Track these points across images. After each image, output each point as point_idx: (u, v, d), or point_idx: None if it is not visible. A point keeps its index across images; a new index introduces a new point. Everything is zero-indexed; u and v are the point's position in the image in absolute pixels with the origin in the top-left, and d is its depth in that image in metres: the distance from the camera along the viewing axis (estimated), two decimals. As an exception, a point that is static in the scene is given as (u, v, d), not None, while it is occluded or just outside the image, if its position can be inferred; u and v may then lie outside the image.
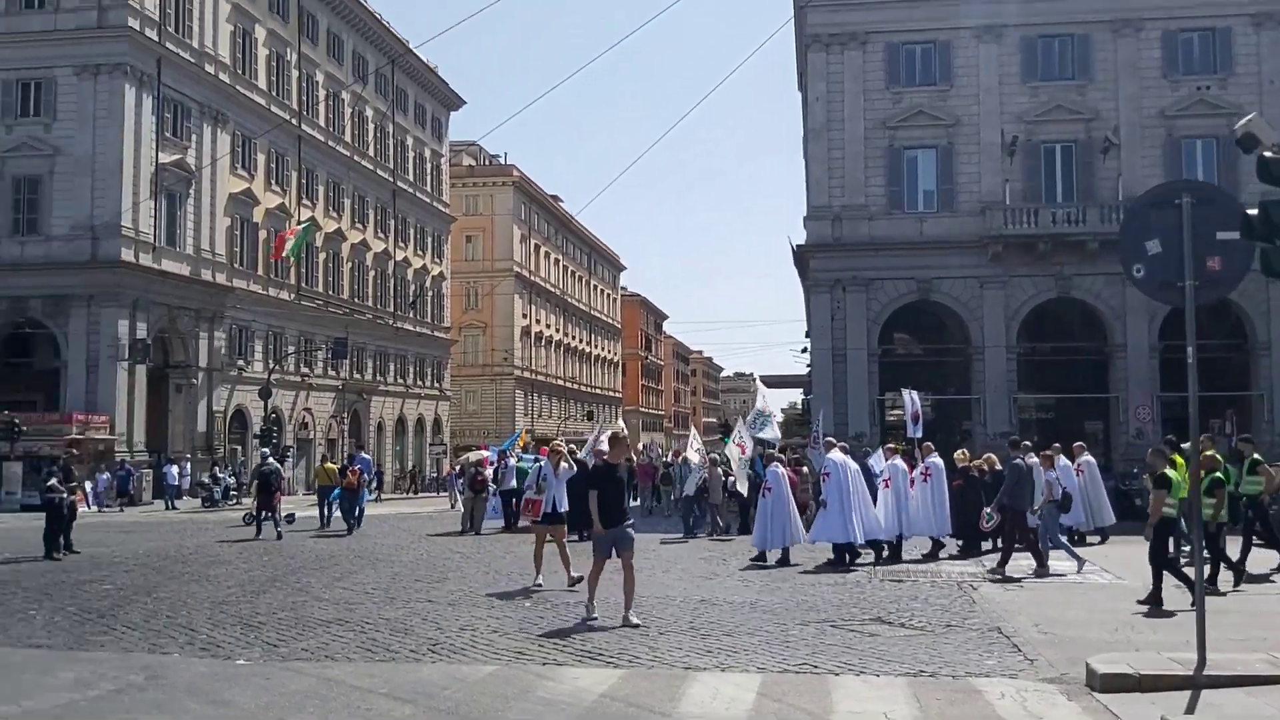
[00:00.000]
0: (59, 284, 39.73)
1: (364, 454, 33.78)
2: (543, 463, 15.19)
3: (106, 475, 36.81)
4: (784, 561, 17.44)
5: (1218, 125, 35.73)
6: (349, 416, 57.75)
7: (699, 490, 24.91)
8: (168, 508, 36.80)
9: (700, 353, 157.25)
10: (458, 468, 34.19)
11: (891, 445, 20.47)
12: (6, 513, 34.09)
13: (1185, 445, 13.81)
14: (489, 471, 27.02)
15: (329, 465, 28.80)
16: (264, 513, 23.56)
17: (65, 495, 18.41)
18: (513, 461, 28.20)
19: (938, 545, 18.81)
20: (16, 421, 35.65)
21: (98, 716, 7.45)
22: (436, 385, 70.03)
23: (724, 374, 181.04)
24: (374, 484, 30.66)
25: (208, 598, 13.29)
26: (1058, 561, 16.38)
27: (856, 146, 37.38)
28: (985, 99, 36.94)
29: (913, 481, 18.65)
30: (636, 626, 10.88)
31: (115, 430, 39.35)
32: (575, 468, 15.06)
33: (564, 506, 14.32)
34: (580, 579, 12.89)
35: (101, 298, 39.69)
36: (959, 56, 37.57)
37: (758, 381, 52.09)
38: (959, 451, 21.00)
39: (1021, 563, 16.26)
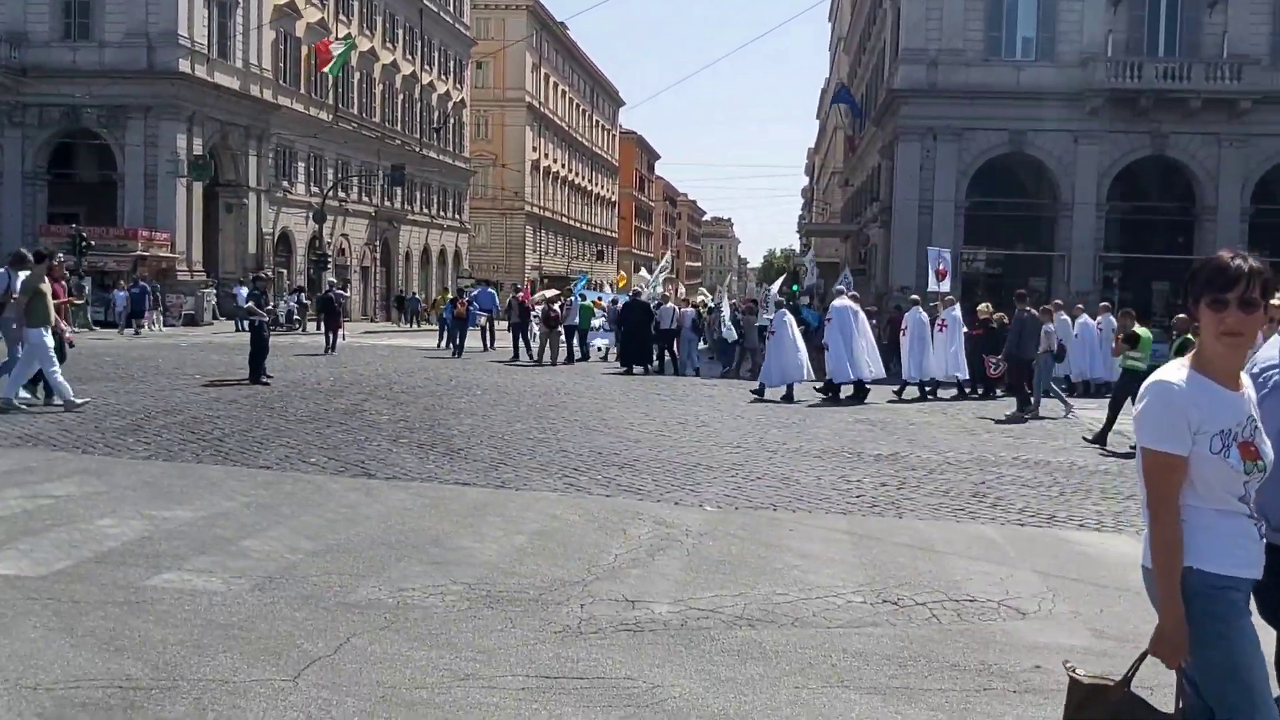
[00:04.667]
0: (115, 93, 37.77)
1: (489, 289, 33.36)
2: None
3: (175, 296, 35.98)
4: (788, 398, 18.71)
5: (1333, -20, 34.83)
6: (380, 245, 56.53)
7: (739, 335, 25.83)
8: (238, 328, 35.95)
9: (685, 195, 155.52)
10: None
11: (915, 298, 22.25)
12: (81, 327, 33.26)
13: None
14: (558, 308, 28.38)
15: (447, 295, 29.19)
16: (330, 333, 27.26)
17: (265, 318, 17.76)
18: (578, 300, 29.09)
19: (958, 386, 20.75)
20: (85, 236, 34.38)
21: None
22: (457, 217, 68.65)
23: (704, 218, 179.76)
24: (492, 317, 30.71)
25: (501, 431, 12.94)
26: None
27: (957, -13, 35.98)
28: (1093, -58, 35.54)
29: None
30: None
31: (175, 249, 38.17)
32: None
33: None
34: None
35: (160, 109, 37.94)
36: (1067, -107, 35.90)
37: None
38: (982, 305, 22.49)
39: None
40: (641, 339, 26.04)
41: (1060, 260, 36.65)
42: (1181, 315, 15.86)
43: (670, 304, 28.57)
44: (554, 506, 8.54)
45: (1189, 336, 15.28)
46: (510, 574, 6.29)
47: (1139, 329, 14.43)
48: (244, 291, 37.98)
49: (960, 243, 36.79)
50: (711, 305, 41.19)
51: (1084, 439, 14.29)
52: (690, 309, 30.65)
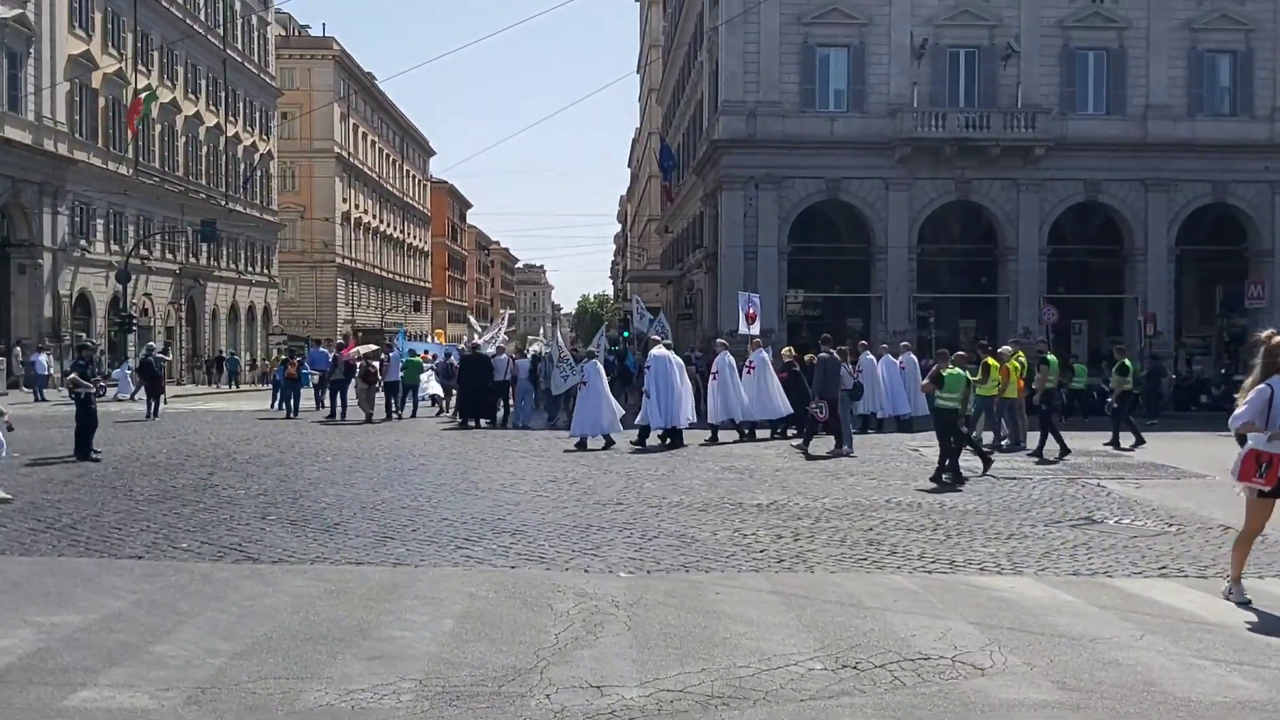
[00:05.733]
0: (-109, 149, 34.91)
1: (321, 348, 32.19)
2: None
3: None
4: (581, 446, 19.03)
5: (1109, 38, 37.70)
6: (185, 303, 53.94)
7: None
8: (37, 399, 33.53)
9: (498, 243, 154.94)
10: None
11: (723, 342, 23.10)
12: None
13: (1001, 349, 19.79)
14: (376, 365, 28.55)
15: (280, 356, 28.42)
16: (153, 399, 26.63)
17: (93, 390, 16.54)
18: (400, 355, 28.97)
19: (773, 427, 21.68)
20: None
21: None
22: (266, 271, 66.22)
23: (517, 265, 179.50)
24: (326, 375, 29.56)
25: (371, 500, 12.38)
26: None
27: (772, 42, 37.20)
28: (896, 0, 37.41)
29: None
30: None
31: (-36, 315, 35.46)
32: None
33: None
34: None
35: (-57, 167, 35.25)
36: (871, -46, 37.66)
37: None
38: (785, 349, 23.83)
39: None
40: (481, 392, 25.86)
41: (877, 301, 38.08)
42: (960, 353, 16.81)
43: (505, 355, 28.39)
44: (465, 584, 8.13)
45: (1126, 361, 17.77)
46: (457, 665, 5.91)
47: (945, 370, 15.01)
48: (43, 359, 35.69)
49: (784, 286, 37.83)
50: (542, 354, 41.10)
51: (932, 480, 14.76)
52: (525, 360, 30.43)
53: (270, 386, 30.65)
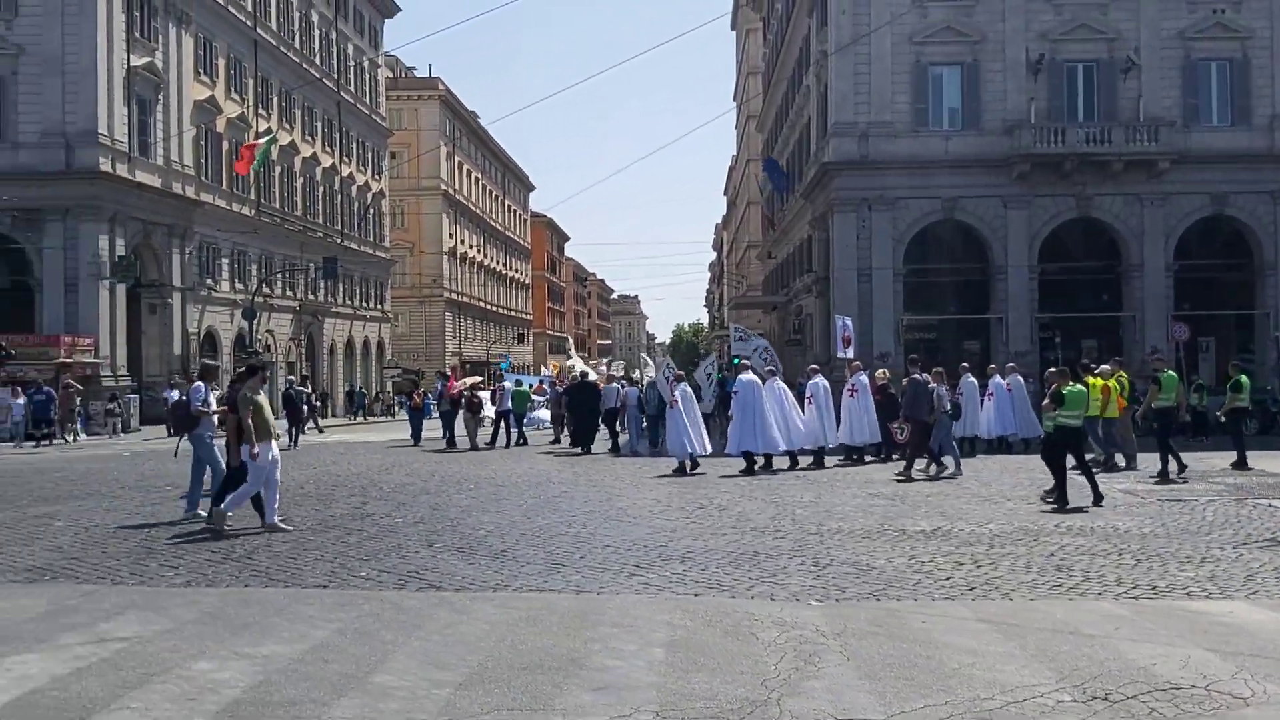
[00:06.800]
0: (31, 195, 36.35)
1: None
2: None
3: (99, 403, 34.53)
4: (693, 468, 19.05)
5: (1232, 48, 36.53)
6: (305, 339, 55.19)
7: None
8: (170, 434, 34.39)
9: (594, 275, 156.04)
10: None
11: (814, 367, 23.11)
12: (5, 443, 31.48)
13: (1100, 368, 19.27)
14: (485, 395, 29.89)
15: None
16: (293, 428, 28.06)
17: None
18: (509, 385, 29.23)
19: (868, 451, 21.38)
20: (3, 345, 32.74)
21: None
22: (379, 307, 67.53)
23: (613, 296, 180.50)
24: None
25: (528, 527, 12.28)
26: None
27: (883, 62, 36.79)
28: (1010, 16, 36.69)
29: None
30: None
31: (100, 353, 36.63)
32: None
33: None
34: None
35: (79, 210, 36.63)
36: (984, -30, 37.07)
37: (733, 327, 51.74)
38: (879, 371, 23.52)
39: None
40: (592, 420, 26.38)
41: (997, 322, 37.21)
42: (1053, 370, 16.16)
43: (615, 384, 28.52)
44: (656, 611, 7.94)
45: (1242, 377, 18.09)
46: (688, 696, 5.70)
47: (1065, 388, 14.58)
48: (175, 395, 36.67)
49: (900, 309, 37.20)
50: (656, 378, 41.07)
51: (1042, 499, 14.56)
52: (634, 388, 30.41)
53: (407, 418, 31.66)
